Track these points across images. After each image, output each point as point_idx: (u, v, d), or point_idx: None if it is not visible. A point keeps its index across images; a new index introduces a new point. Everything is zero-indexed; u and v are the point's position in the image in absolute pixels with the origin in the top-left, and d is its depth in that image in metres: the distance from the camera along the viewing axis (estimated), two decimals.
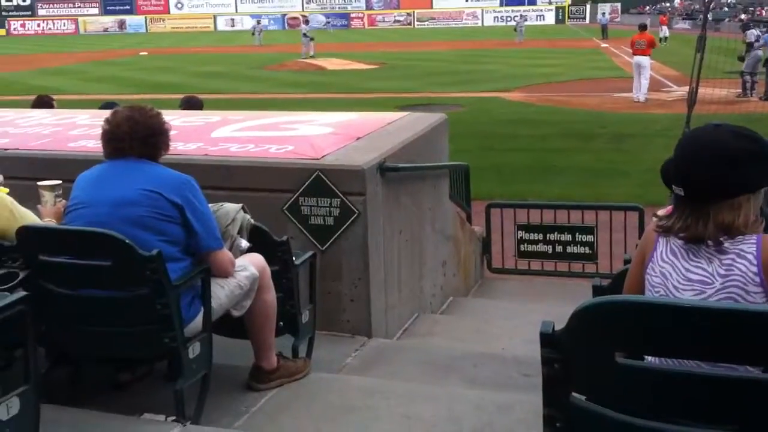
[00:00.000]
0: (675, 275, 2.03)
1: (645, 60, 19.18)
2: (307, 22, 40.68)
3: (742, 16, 58.70)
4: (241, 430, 3.07)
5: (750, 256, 1.95)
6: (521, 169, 11.68)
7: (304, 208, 4.15)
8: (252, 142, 4.66)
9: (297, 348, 3.61)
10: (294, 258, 3.56)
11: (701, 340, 1.67)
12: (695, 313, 1.67)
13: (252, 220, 3.54)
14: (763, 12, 58.97)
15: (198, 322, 3.05)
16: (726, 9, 64.20)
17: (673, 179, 2.07)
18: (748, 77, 19.06)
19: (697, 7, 60.86)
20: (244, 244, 3.37)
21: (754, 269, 1.94)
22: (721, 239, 1.97)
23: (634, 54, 19.67)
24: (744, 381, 1.69)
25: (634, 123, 15.93)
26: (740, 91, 19.23)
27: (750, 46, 19.11)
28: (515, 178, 11.04)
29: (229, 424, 3.09)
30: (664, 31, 43.48)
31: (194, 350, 2.98)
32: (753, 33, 19.13)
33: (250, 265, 3.25)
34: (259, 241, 3.45)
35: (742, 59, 19.18)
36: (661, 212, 4.64)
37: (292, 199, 4.15)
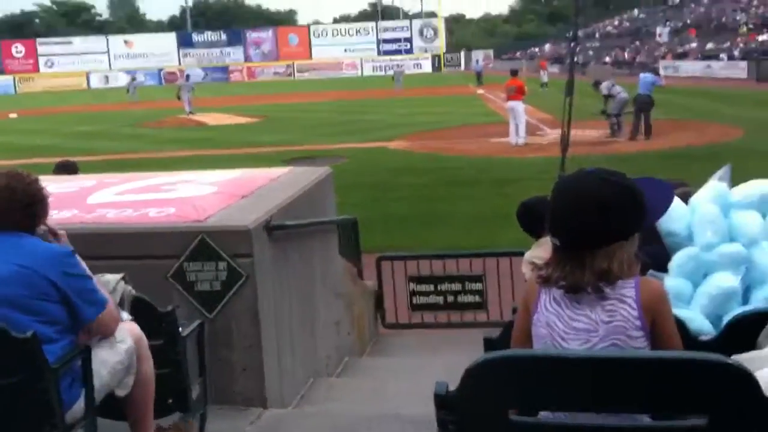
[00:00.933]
0: (560, 325, 2.02)
1: (518, 105, 19.87)
2: (188, 77, 40.23)
3: (606, 59, 62.08)
4: None
5: (630, 300, 1.97)
6: (408, 219, 11.77)
7: (189, 274, 3.99)
8: (130, 207, 4.47)
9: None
10: (180, 329, 3.40)
11: (589, 390, 1.66)
12: (579, 362, 1.67)
13: (133, 291, 3.38)
14: (625, 54, 62.46)
15: (80, 405, 2.86)
16: (591, 53, 67.67)
17: (549, 229, 2.08)
18: (614, 119, 20.03)
19: (565, 52, 63.89)
20: (125, 316, 3.21)
21: (635, 313, 1.96)
22: (600, 285, 1.98)
23: (508, 99, 20.40)
24: (634, 430, 1.69)
25: (513, 167, 16.41)
26: (609, 131, 20.19)
27: (606, 98, 20.16)
28: (403, 228, 11.10)
29: None
30: (545, 76, 45.40)
31: None
32: (604, 85, 20.25)
33: (127, 336, 3.08)
34: (142, 313, 3.29)
35: (605, 112, 20.20)
36: (527, 254, 4.66)
37: (177, 266, 3.99)
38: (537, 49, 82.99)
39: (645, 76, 20.15)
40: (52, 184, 5.17)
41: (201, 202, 4.46)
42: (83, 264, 3.00)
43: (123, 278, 3.38)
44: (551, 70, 51.41)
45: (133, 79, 57.92)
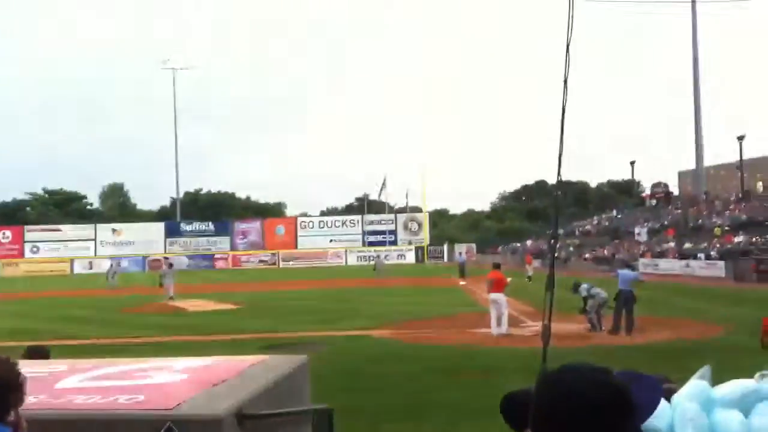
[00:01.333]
0: None
1: (500, 297, 20.18)
2: (170, 265, 40.59)
3: (587, 255, 63.42)
4: None
5: None
6: (390, 409, 11.47)
7: None
8: (99, 393, 4.33)
9: None
10: None
11: None
12: None
13: None
14: (605, 251, 63.87)
15: None
16: (571, 249, 69.20)
17: (534, 428, 1.99)
18: (594, 316, 20.23)
19: (545, 247, 65.38)
20: None
21: None
22: None
23: (489, 291, 20.65)
24: None
25: (497, 357, 16.27)
26: (589, 326, 20.28)
27: (585, 299, 20.51)
28: (385, 417, 10.80)
29: None
30: (530, 269, 46.22)
31: None
32: (583, 288, 20.63)
33: None
34: None
35: (583, 310, 20.46)
36: None
37: None
38: (519, 244, 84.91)
39: (625, 273, 20.57)
40: (22, 369, 5.06)
41: (171, 389, 4.34)
42: None
43: None
44: (535, 265, 52.38)
45: (113, 265, 58.13)
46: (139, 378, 4.80)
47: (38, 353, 6.92)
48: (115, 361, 5.82)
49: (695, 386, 3.05)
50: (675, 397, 3.01)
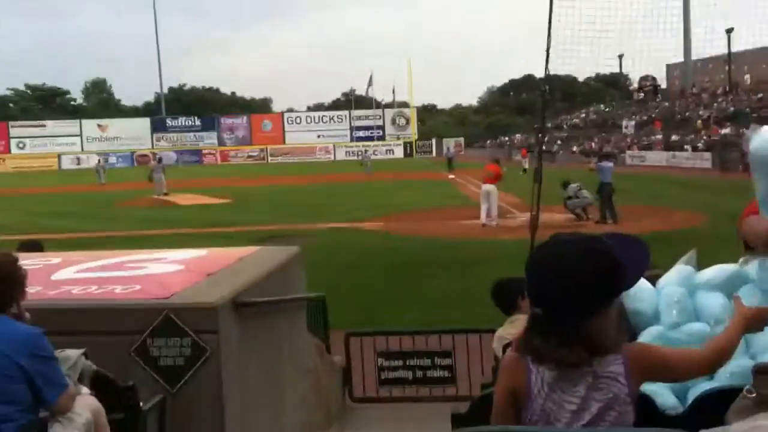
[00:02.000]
0: (554, 408, 2.00)
1: (493, 188, 20.76)
2: (160, 160, 40.36)
3: (574, 148, 63.48)
4: None
5: (620, 378, 1.98)
6: (378, 297, 11.76)
7: (152, 350, 3.93)
8: (95, 284, 4.43)
9: None
10: (141, 404, 3.34)
11: None
12: None
13: (94, 366, 3.35)
14: (592, 144, 63.90)
15: None
16: (559, 142, 69.15)
17: (531, 300, 2.07)
18: (579, 210, 20.52)
19: (532, 141, 65.31)
20: (84, 390, 3.18)
21: (626, 390, 1.97)
22: (591, 361, 1.97)
23: (484, 182, 21.12)
24: None
25: (484, 248, 16.53)
26: (575, 217, 20.58)
27: (570, 198, 20.70)
28: (373, 306, 11.08)
29: None
30: (525, 162, 45.72)
31: None
32: (572, 187, 20.81)
33: (85, 409, 3.04)
34: (103, 388, 3.24)
35: (566, 205, 20.65)
36: (499, 331, 4.66)
37: (140, 341, 3.93)
38: (507, 138, 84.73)
39: (607, 165, 20.73)
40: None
41: (167, 279, 4.44)
42: (51, 346, 3.00)
43: (84, 353, 3.36)
44: (520, 158, 52.36)
45: (101, 161, 57.73)
46: (134, 269, 4.89)
47: (32, 247, 6.98)
48: (108, 254, 5.91)
49: (681, 270, 3.14)
50: (661, 281, 3.11)
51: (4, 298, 2.94)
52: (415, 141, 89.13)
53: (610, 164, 21.10)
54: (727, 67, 65.48)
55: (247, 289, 4.38)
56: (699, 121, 55.07)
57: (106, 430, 3.11)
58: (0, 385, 2.77)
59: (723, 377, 2.80)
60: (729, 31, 61.12)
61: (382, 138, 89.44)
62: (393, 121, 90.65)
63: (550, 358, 1.99)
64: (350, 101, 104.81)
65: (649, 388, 2.71)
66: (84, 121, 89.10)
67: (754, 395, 2.06)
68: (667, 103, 69.35)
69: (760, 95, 57.70)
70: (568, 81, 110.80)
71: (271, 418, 4.71)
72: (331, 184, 40.56)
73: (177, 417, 3.82)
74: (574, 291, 1.97)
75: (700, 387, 2.74)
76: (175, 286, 4.24)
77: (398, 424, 6.08)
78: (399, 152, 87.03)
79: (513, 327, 5.01)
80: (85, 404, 3.07)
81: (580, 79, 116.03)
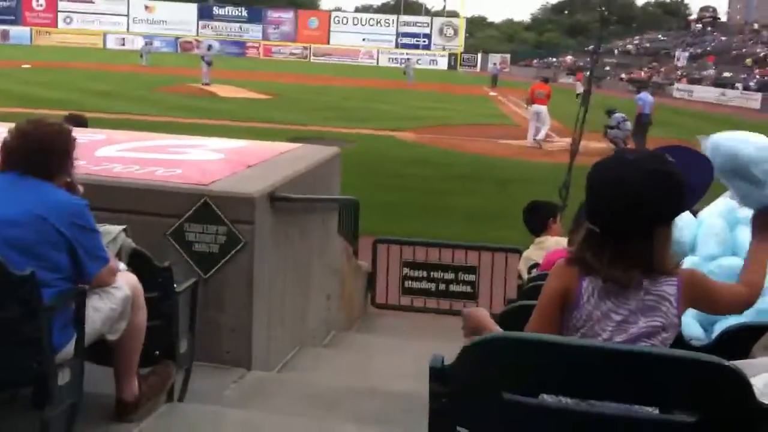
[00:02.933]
0: (601, 318, 2.00)
1: (543, 108, 20.70)
2: (209, 47, 39.40)
3: (623, 76, 62.06)
4: None
5: (672, 299, 1.98)
6: (409, 208, 11.82)
7: (188, 234, 4.04)
8: (137, 164, 4.51)
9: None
10: (175, 285, 3.45)
11: (592, 379, 1.69)
12: (588, 352, 1.70)
13: (133, 244, 3.44)
14: (641, 73, 62.39)
15: (70, 348, 2.90)
16: (608, 68, 67.61)
17: (588, 214, 2.05)
18: (620, 141, 20.17)
19: (582, 64, 63.89)
20: (122, 267, 3.27)
21: (675, 311, 1.98)
22: (643, 281, 1.97)
23: (534, 102, 21.01)
24: (640, 421, 1.72)
25: (519, 169, 16.46)
26: (613, 146, 20.27)
27: (612, 127, 20.25)
28: (403, 216, 11.16)
29: None
30: (579, 87, 43.68)
31: (64, 377, 2.82)
32: (616, 117, 20.22)
33: (124, 285, 3.14)
34: (140, 266, 3.34)
35: (606, 134, 20.22)
36: (526, 252, 4.59)
37: (177, 225, 4.03)
38: (555, 59, 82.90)
39: (646, 96, 20.20)
40: None
41: (208, 166, 4.51)
42: (93, 219, 3.05)
43: (124, 230, 3.44)
44: (568, 81, 51.22)
45: (148, 43, 57.59)
46: (176, 153, 4.97)
47: (77, 122, 7.09)
48: (151, 136, 6.00)
49: (724, 204, 3.09)
50: (703, 212, 3.08)
51: (49, 167, 2.98)
52: (461, 54, 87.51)
53: (650, 97, 20.60)
54: None
55: (285, 184, 4.44)
56: (749, 60, 53.29)
57: (142, 308, 3.20)
58: (41, 251, 2.81)
59: (751, 313, 2.82)
60: None
61: (427, 47, 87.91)
62: (440, 31, 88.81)
63: (601, 275, 1.99)
64: (399, 4, 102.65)
65: None
66: (132, 1, 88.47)
67: None
68: (724, 38, 67.11)
69: None
70: (626, 3, 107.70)
71: (296, 312, 4.85)
72: (373, 89, 40.19)
73: (207, 302, 3.95)
74: (635, 213, 1.96)
75: (727, 321, 2.75)
76: (216, 174, 4.31)
77: (417, 333, 6.22)
78: (443, 63, 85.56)
79: (539, 248, 5.06)
80: (125, 280, 3.16)
81: (639, 2, 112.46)
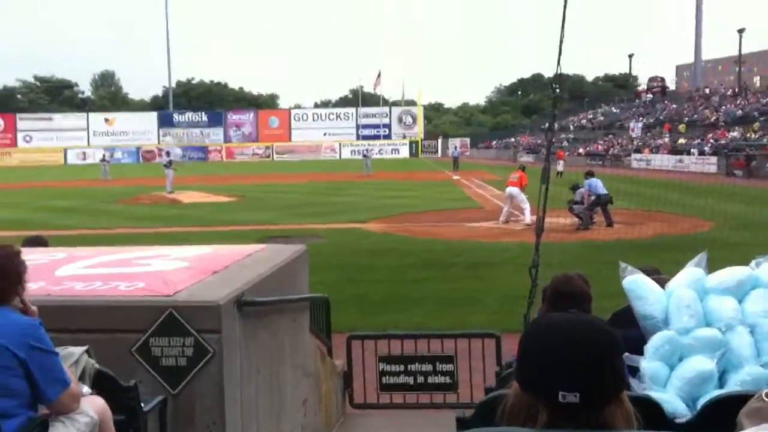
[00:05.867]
0: None
1: (515, 190, 21.79)
2: (168, 153, 40.12)
3: (581, 150, 63.37)
4: None
5: None
6: (381, 300, 11.72)
7: (154, 349, 3.90)
8: (99, 280, 4.40)
9: None
10: (143, 404, 3.32)
11: None
12: None
13: (96, 365, 3.32)
14: (598, 146, 63.79)
15: None
16: (566, 143, 69.10)
17: (560, 386, 1.74)
18: (585, 216, 20.51)
19: (540, 141, 65.24)
20: (86, 390, 3.14)
21: None
22: None
23: (507, 185, 22.24)
24: None
25: (487, 252, 16.48)
26: (579, 222, 20.54)
27: (577, 202, 20.69)
28: (376, 308, 11.04)
29: None
30: (560, 165, 42.12)
31: None
32: (580, 192, 20.84)
33: (90, 409, 3.01)
34: (105, 387, 3.21)
35: (571, 209, 20.63)
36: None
37: (142, 340, 3.90)
38: (513, 139, 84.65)
39: (595, 182, 20.75)
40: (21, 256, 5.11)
41: (171, 276, 4.41)
42: (50, 340, 2.96)
43: (86, 351, 3.33)
44: (527, 159, 52.15)
45: (105, 157, 57.58)
46: (139, 266, 4.86)
47: (36, 243, 6.97)
48: (113, 250, 5.89)
49: (690, 274, 3.07)
50: (670, 284, 3.05)
51: (2, 291, 2.92)
52: (421, 140, 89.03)
53: (598, 181, 21.17)
54: (737, 69, 65.34)
55: (251, 288, 4.35)
56: (682, 126, 54.57)
57: None
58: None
59: (733, 384, 2.77)
60: (741, 31, 61.06)
61: (388, 137, 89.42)
62: (400, 120, 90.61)
63: None
64: (357, 98, 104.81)
65: (659, 395, 2.67)
66: (91, 115, 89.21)
67: None
68: (675, 106, 69.14)
69: None
70: (576, 80, 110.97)
71: (270, 421, 4.69)
72: (337, 183, 40.53)
73: (177, 418, 3.80)
74: (608, 365, 1.76)
75: (710, 394, 2.70)
76: (180, 284, 4.21)
77: (398, 431, 6.05)
78: (404, 152, 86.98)
79: None
80: (91, 404, 3.03)
81: (589, 78, 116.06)
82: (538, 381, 1.76)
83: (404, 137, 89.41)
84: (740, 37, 61.25)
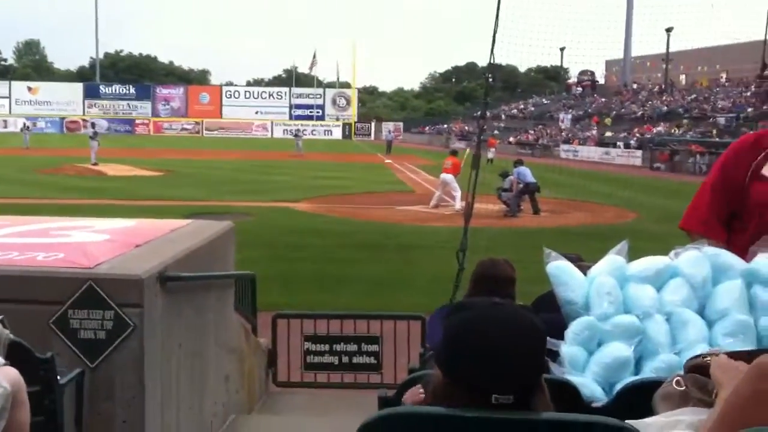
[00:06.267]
0: None
1: (449, 177, 21.83)
2: (93, 125, 39.26)
3: (511, 139, 64.23)
4: None
5: None
6: (309, 279, 11.68)
7: (73, 321, 3.79)
8: (16, 250, 4.25)
9: None
10: (59, 377, 3.22)
11: None
12: (478, 422, 1.65)
13: (11, 335, 3.20)
14: (528, 136, 64.76)
15: None
16: (497, 132, 69.94)
17: (493, 390, 1.69)
18: (512, 199, 20.86)
19: (472, 129, 65.83)
20: (0, 360, 3.03)
21: None
22: None
23: (443, 172, 22.24)
24: None
25: (417, 235, 16.60)
26: (506, 209, 20.89)
27: (505, 189, 21.07)
28: (303, 288, 11.00)
29: None
30: (490, 153, 41.29)
31: None
32: (509, 179, 21.22)
33: (3, 380, 2.90)
34: (19, 358, 3.10)
35: (500, 196, 21.01)
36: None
37: (60, 312, 3.79)
38: (446, 126, 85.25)
39: (524, 170, 21.30)
40: None
41: (92, 248, 4.28)
42: None
43: (1, 321, 3.22)
44: (459, 146, 52.43)
45: (27, 126, 55.79)
46: (59, 236, 4.71)
47: None
48: (32, 219, 5.70)
49: (612, 261, 3.14)
50: (592, 271, 3.11)
51: None
52: (354, 123, 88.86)
53: (525, 168, 21.58)
54: (664, 66, 67.12)
55: (176, 263, 4.27)
56: (608, 119, 56.03)
57: (24, 404, 2.97)
58: None
59: (648, 371, 2.84)
60: (669, 30, 62.63)
61: (321, 118, 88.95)
62: (333, 102, 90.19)
63: None
64: (291, 78, 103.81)
65: (576, 379, 2.72)
66: (13, 83, 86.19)
67: (682, 388, 2.07)
68: (603, 100, 70.73)
69: (693, 96, 59.44)
70: (509, 70, 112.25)
71: (192, 397, 4.63)
72: (267, 162, 40.14)
73: (95, 392, 3.71)
74: (538, 356, 1.77)
75: (627, 380, 2.76)
76: (101, 256, 4.10)
77: (321, 410, 6.04)
78: (338, 133, 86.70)
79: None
80: (4, 375, 2.93)
81: (522, 69, 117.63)
82: (468, 380, 1.70)
83: (338, 119, 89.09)
84: (668, 35, 62.78)
